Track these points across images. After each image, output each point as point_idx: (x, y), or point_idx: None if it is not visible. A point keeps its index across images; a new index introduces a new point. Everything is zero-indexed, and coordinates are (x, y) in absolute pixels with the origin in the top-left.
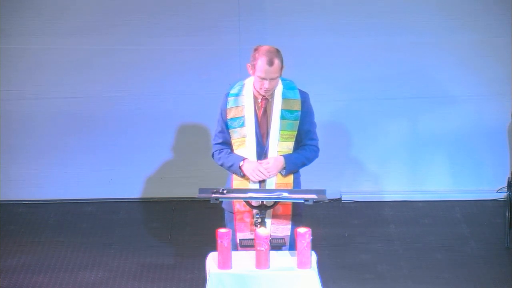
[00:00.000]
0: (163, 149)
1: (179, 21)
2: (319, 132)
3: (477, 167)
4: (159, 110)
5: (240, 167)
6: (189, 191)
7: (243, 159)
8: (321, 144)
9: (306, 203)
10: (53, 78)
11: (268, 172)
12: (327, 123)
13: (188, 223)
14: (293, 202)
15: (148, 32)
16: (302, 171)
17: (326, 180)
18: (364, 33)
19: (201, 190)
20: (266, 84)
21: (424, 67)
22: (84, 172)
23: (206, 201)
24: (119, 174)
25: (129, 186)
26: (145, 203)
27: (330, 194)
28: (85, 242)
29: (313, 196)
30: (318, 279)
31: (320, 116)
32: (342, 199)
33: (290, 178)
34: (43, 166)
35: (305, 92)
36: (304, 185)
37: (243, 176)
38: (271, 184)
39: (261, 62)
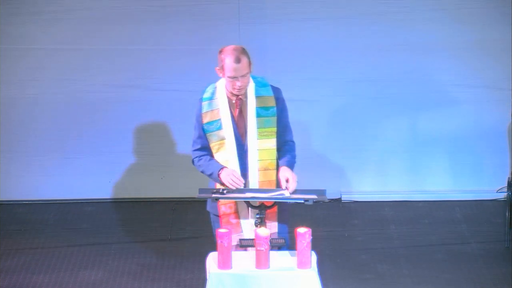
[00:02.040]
0: (163, 149)
1: (179, 21)
2: (320, 132)
3: (477, 167)
4: (159, 110)
5: (218, 176)
6: (189, 191)
7: (221, 167)
8: (321, 145)
9: (306, 203)
10: (53, 78)
11: (293, 184)
12: (327, 123)
13: (188, 223)
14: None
15: (148, 32)
16: (303, 171)
17: (326, 180)
18: (364, 33)
19: (201, 190)
20: (238, 82)
21: (424, 67)
22: (84, 172)
23: (206, 201)
24: (119, 174)
25: (129, 186)
26: (145, 203)
27: (330, 194)
28: (85, 242)
29: (313, 196)
30: (318, 279)
31: (320, 116)
32: (342, 199)
33: (273, 175)
34: (43, 166)
35: (277, 87)
36: (304, 185)
37: (223, 184)
38: (254, 184)
39: (229, 61)
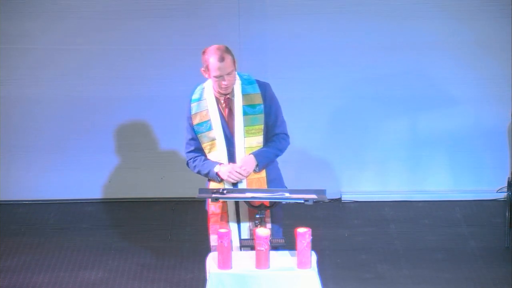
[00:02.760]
0: (163, 149)
1: (179, 21)
2: (320, 131)
3: (477, 167)
4: (158, 110)
5: (217, 173)
6: (189, 191)
7: (219, 164)
8: (321, 144)
9: (306, 203)
10: (53, 78)
11: (245, 172)
12: (327, 123)
13: (188, 223)
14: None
15: (148, 32)
16: (303, 171)
17: (326, 180)
18: (364, 33)
19: (201, 190)
20: (224, 81)
21: (424, 67)
22: (84, 172)
23: (205, 201)
24: (119, 174)
25: (129, 186)
26: (145, 203)
27: (330, 194)
28: (85, 242)
29: (313, 196)
30: (318, 279)
31: (320, 116)
32: (342, 199)
33: (262, 172)
34: (43, 166)
35: (265, 82)
36: (304, 185)
37: (221, 181)
38: (242, 181)
39: (213, 61)
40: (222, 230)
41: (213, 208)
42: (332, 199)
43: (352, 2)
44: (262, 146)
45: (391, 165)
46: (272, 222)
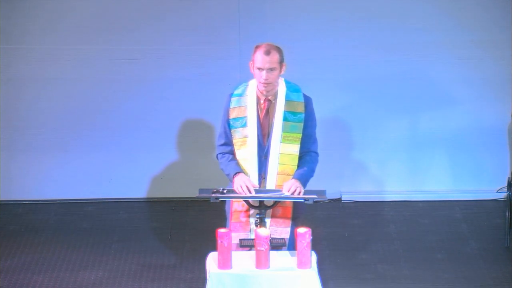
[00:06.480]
0: (163, 149)
1: (179, 21)
2: (320, 132)
3: (477, 167)
4: (159, 110)
5: (233, 178)
6: (189, 191)
7: (238, 172)
8: (321, 144)
9: (306, 202)
10: (52, 78)
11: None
12: (327, 123)
13: (188, 223)
14: (294, 205)
15: (148, 32)
16: None
17: (326, 180)
18: (364, 33)
19: (201, 190)
20: (264, 74)
21: (424, 67)
22: (84, 172)
23: (206, 201)
24: (119, 174)
25: (129, 186)
26: (145, 203)
27: (330, 194)
28: (85, 242)
29: (313, 196)
30: (318, 279)
31: (320, 116)
32: (342, 199)
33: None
34: (43, 166)
35: (308, 96)
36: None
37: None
38: (271, 186)
39: (259, 53)
40: (222, 230)
41: (236, 205)
42: (332, 199)
43: (352, 2)
44: (297, 156)
45: (391, 165)
46: (293, 224)
